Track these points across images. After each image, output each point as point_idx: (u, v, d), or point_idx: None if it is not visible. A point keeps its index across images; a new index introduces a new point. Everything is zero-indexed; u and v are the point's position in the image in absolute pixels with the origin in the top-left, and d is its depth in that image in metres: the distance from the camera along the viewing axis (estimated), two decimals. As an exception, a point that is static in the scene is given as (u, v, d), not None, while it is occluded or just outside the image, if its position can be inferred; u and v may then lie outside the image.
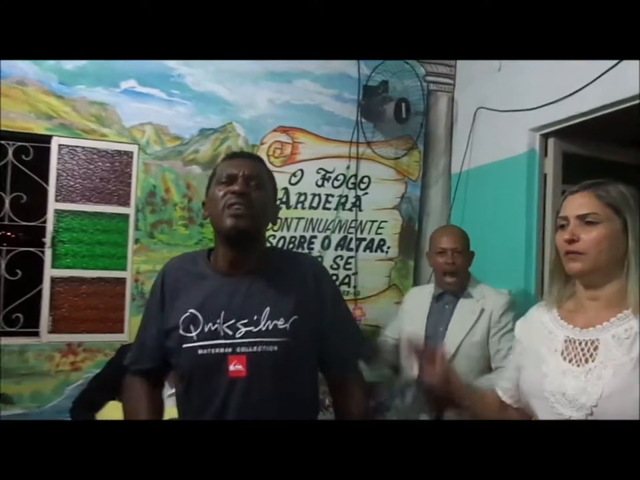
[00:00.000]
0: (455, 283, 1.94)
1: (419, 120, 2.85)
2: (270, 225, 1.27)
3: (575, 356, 1.04)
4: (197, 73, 2.55)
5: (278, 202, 2.53)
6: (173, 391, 1.27)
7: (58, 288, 2.36)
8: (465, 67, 2.90)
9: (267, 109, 2.67)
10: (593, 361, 1.01)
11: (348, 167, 2.78)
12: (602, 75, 1.95)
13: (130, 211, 2.47)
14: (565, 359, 1.05)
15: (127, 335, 2.42)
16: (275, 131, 2.68)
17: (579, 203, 1.07)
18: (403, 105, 2.68)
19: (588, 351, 1.03)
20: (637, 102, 1.88)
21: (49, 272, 2.35)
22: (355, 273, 2.78)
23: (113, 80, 2.42)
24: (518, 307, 2.29)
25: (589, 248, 1.03)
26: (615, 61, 1.88)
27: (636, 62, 1.80)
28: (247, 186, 1.12)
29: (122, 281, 2.46)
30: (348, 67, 2.78)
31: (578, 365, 1.03)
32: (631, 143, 2.57)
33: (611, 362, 0.99)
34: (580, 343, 1.05)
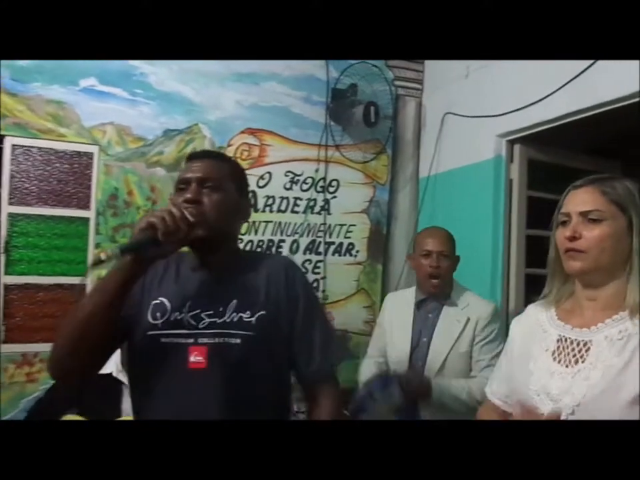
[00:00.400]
0: (439, 286, 1.84)
1: (387, 124, 2.85)
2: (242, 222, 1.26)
3: (565, 356, 1.02)
4: (161, 72, 2.47)
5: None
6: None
7: (12, 295, 2.24)
8: (433, 73, 2.92)
9: (234, 111, 2.61)
10: (582, 362, 0.98)
11: (317, 170, 2.75)
12: (567, 83, 1.99)
13: (90, 214, 2.36)
14: (554, 359, 1.03)
15: (87, 344, 2.32)
16: (242, 132, 2.63)
17: (583, 199, 1.02)
18: (372, 108, 2.68)
19: (579, 351, 1.00)
20: (599, 111, 1.93)
21: (1, 279, 2.22)
22: (324, 277, 2.76)
23: (71, 78, 2.30)
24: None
25: (590, 246, 0.99)
26: (580, 70, 1.92)
27: (600, 71, 1.85)
28: (200, 191, 1.10)
29: (82, 288, 2.36)
30: (316, 69, 2.75)
31: (567, 366, 1.00)
32: (591, 151, 2.65)
33: (600, 363, 0.96)
34: (572, 342, 1.02)
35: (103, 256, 0.94)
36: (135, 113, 2.43)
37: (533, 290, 2.42)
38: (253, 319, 1.10)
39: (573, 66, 1.95)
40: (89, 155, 2.36)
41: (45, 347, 2.25)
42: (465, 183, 2.59)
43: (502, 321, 2.35)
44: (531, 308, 1.19)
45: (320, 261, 2.77)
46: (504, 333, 1.83)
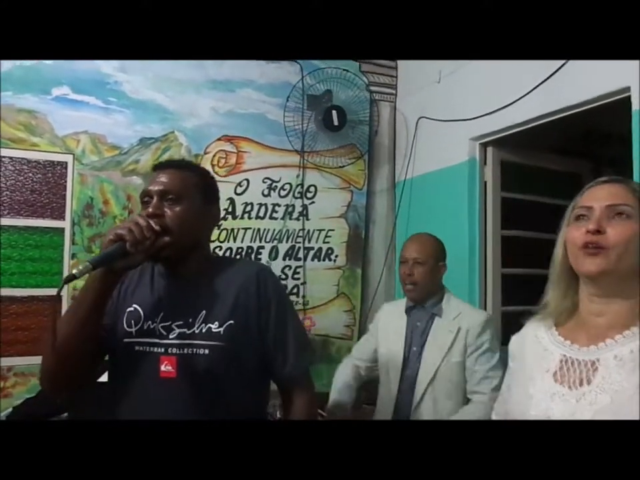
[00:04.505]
0: (413, 292, 1.84)
1: (363, 129, 2.87)
2: (211, 229, 1.30)
3: (569, 378, 0.90)
4: (135, 80, 2.46)
5: (223, 212, 2.47)
6: None
7: (-16, 309, 2.19)
8: (406, 78, 2.97)
9: (210, 118, 2.61)
10: (588, 384, 0.87)
11: (298, 176, 2.76)
12: (537, 87, 2.04)
13: (65, 224, 2.33)
14: (556, 380, 0.91)
15: (64, 357, 2.27)
16: (219, 140, 2.62)
17: (610, 192, 0.91)
18: (334, 112, 2.68)
19: (586, 373, 0.88)
20: (569, 113, 1.98)
21: (-27, 292, 2.17)
22: (304, 283, 2.76)
23: (43, 86, 2.28)
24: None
25: (616, 243, 0.86)
26: (549, 73, 1.98)
27: (568, 74, 1.90)
28: (162, 204, 1.12)
29: (57, 299, 2.31)
30: (291, 75, 2.77)
31: (570, 388, 0.89)
32: (562, 151, 2.72)
33: (609, 386, 0.84)
34: (578, 364, 0.90)
35: (75, 272, 0.94)
36: (109, 121, 2.41)
37: (509, 290, 2.47)
38: (221, 329, 1.12)
39: (542, 69, 2.00)
40: (63, 164, 2.33)
41: (19, 361, 2.21)
42: (440, 185, 2.62)
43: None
44: (530, 323, 1.06)
45: (299, 267, 2.77)
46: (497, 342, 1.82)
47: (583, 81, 1.85)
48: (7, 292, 2.22)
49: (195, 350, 1.10)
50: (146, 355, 1.11)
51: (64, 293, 2.31)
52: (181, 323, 1.12)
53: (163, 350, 1.11)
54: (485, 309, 2.42)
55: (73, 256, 2.33)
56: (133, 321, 1.14)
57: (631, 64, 1.63)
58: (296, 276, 2.75)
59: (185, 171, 1.20)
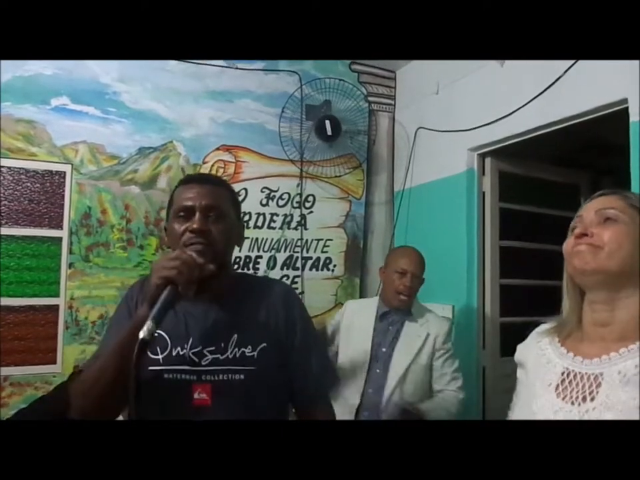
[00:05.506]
0: (406, 303, 1.96)
1: (362, 139, 2.88)
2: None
3: (572, 392, 0.87)
4: (134, 91, 2.47)
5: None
6: None
7: (-20, 319, 2.18)
8: (404, 89, 2.98)
9: (209, 128, 2.62)
10: (592, 400, 0.83)
11: (298, 185, 2.77)
12: (535, 98, 2.04)
13: (63, 233, 2.33)
14: (558, 395, 0.88)
15: (60, 366, 2.27)
16: (217, 149, 2.63)
17: (601, 202, 0.91)
18: (328, 122, 2.68)
19: (589, 387, 0.84)
20: (566, 124, 1.98)
21: (-30, 301, 2.17)
22: (302, 293, 2.75)
23: (42, 97, 2.29)
24: (460, 322, 2.35)
25: (605, 242, 0.85)
26: (547, 85, 1.98)
27: (566, 85, 1.91)
28: (206, 220, 1.07)
29: (54, 308, 2.31)
30: (289, 86, 2.78)
31: (573, 404, 0.85)
32: (561, 162, 2.72)
33: (614, 404, 0.80)
34: (580, 377, 0.87)
35: (144, 336, 0.87)
36: (108, 131, 2.41)
37: (508, 301, 2.46)
38: (254, 352, 1.08)
39: (541, 80, 2.01)
40: (61, 174, 2.33)
41: (16, 371, 2.20)
42: (438, 196, 2.62)
43: (479, 331, 2.39)
44: (535, 333, 1.04)
45: (297, 277, 2.77)
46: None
47: (581, 93, 1.86)
48: (4, 301, 2.21)
49: (230, 376, 1.06)
50: (177, 382, 1.05)
51: (61, 301, 2.30)
52: (213, 348, 1.07)
53: (195, 377, 1.05)
54: (483, 320, 2.41)
55: (71, 265, 2.33)
56: (158, 348, 1.06)
57: (629, 76, 1.64)
58: (294, 286, 2.74)
59: (220, 186, 1.15)
